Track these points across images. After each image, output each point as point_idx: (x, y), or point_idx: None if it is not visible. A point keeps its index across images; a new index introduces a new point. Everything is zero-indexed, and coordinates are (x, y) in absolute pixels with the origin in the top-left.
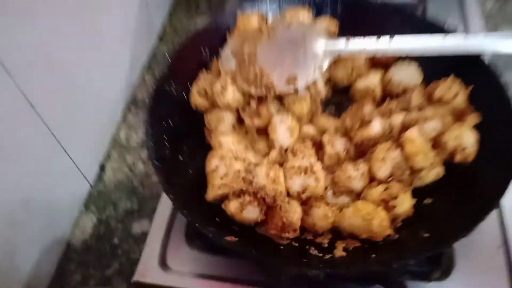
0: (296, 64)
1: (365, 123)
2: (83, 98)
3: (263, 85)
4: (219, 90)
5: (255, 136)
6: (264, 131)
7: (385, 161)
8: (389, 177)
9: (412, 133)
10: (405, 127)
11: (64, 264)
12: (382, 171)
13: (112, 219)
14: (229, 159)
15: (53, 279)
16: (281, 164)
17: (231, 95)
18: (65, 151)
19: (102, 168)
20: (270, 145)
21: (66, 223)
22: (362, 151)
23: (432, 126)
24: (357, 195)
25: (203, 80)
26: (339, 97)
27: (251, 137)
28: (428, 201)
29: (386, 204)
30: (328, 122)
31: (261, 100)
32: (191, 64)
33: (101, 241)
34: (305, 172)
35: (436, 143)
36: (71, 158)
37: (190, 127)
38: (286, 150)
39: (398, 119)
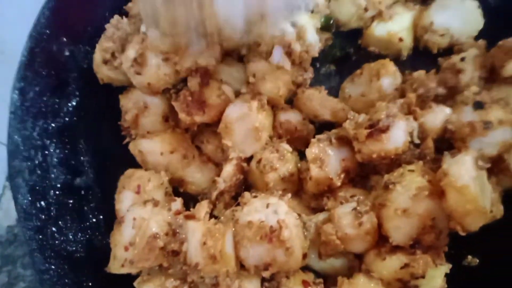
0: None
1: (378, 130)
2: None
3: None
4: (130, 61)
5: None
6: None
7: (408, 216)
8: (412, 243)
9: (462, 174)
10: (449, 137)
11: None
12: (401, 234)
13: None
14: (141, 218)
15: None
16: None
17: (153, 69)
18: None
19: None
20: (224, 153)
21: None
22: (372, 170)
23: (498, 137)
24: (356, 256)
25: (111, 37)
26: (343, 48)
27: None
28: (472, 261)
29: (404, 285)
30: (320, 102)
31: (206, 75)
32: (94, 1)
33: None
34: (269, 239)
35: (496, 164)
36: None
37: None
38: (249, 160)
39: (435, 120)
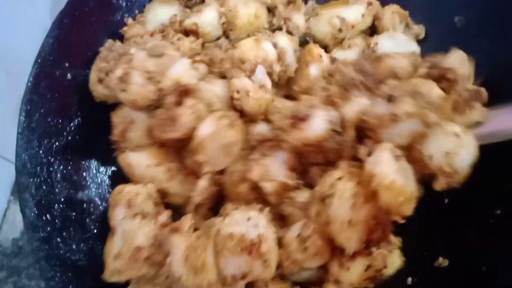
0: None
1: (299, 119)
2: None
3: None
4: (116, 78)
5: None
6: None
7: (354, 225)
8: (366, 246)
9: (386, 172)
10: (363, 125)
11: None
12: (353, 243)
13: None
14: (130, 230)
15: None
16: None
17: (137, 87)
18: None
19: None
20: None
21: None
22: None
23: (406, 129)
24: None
25: (105, 58)
26: None
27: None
28: (442, 262)
29: (373, 278)
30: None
31: (184, 94)
32: (93, 28)
33: None
34: (249, 251)
35: (409, 154)
36: None
37: (96, 132)
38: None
39: (352, 110)
